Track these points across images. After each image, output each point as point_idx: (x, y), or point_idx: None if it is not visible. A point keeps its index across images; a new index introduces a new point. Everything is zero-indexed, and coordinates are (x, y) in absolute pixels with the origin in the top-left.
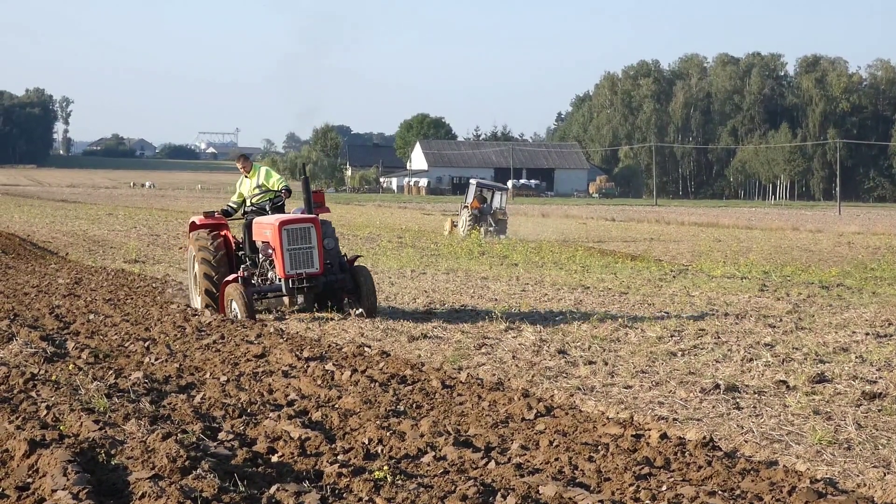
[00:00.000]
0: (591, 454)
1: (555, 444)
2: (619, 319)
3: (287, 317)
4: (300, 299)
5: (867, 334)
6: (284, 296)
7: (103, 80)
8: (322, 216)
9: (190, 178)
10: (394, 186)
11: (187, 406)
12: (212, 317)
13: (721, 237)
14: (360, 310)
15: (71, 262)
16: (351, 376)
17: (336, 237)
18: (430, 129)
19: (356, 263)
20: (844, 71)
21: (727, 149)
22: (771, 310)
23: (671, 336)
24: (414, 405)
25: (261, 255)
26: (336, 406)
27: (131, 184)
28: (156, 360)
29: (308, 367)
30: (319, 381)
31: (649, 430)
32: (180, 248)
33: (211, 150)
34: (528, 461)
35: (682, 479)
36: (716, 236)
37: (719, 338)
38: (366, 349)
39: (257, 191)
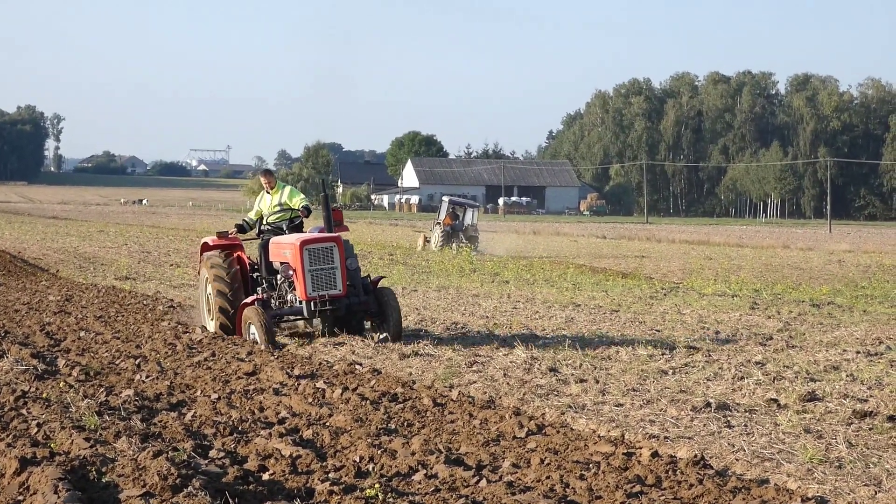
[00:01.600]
0: (583, 472)
1: (546, 462)
2: (611, 337)
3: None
4: (315, 323)
5: (858, 353)
6: (305, 319)
7: (95, 98)
8: (342, 235)
9: (181, 195)
10: (385, 204)
11: (178, 424)
12: (202, 334)
13: (712, 255)
14: (385, 334)
15: (62, 279)
16: (342, 394)
17: (357, 257)
18: (422, 147)
19: (380, 285)
20: (835, 89)
21: (718, 167)
22: (762, 328)
23: (662, 354)
24: (405, 423)
25: (279, 277)
26: (327, 424)
27: (122, 200)
28: (147, 377)
29: (299, 384)
30: (310, 399)
31: (640, 448)
32: (171, 265)
33: (202, 167)
34: (520, 479)
35: (674, 497)
36: (707, 254)
37: (710, 356)
38: (357, 367)
39: (277, 208)
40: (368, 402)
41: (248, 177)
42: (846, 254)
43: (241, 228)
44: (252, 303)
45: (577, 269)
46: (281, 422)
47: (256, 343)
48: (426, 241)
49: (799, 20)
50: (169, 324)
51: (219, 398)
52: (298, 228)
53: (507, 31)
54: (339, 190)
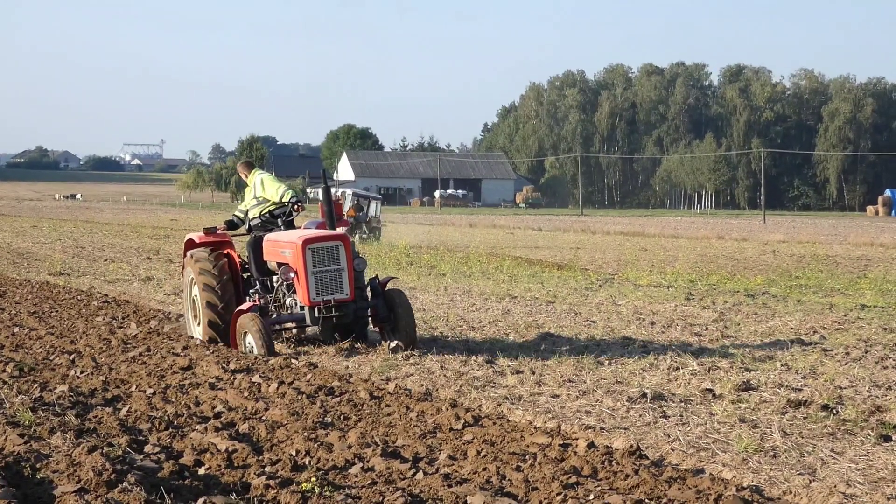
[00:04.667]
0: (519, 463)
1: (482, 453)
2: (547, 328)
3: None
4: (311, 330)
5: (792, 342)
6: (308, 326)
7: (26, 92)
8: (340, 231)
9: (115, 189)
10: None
11: (113, 419)
12: (137, 329)
13: (647, 246)
14: (397, 342)
15: None
16: (278, 388)
17: (364, 257)
18: (357, 140)
19: (389, 286)
20: (768, 80)
21: (652, 158)
22: (697, 318)
23: (598, 345)
24: (342, 416)
25: (277, 279)
26: (263, 418)
27: (56, 196)
28: (81, 373)
29: (235, 378)
30: (246, 393)
31: (577, 439)
32: (105, 259)
33: (136, 161)
34: (456, 471)
35: (610, 487)
36: (642, 245)
37: (646, 346)
38: (293, 361)
39: (254, 201)
40: (305, 395)
41: (183, 171)
42: (780, 244)
43: (232, 224)
44: (248, 310)
45: (513, 262)
46: (217, 416)
47: (253, 353)
48: None
49: (731, 11)
50: (103, 319)
51: (154, 393)
52: (291, 224)
53: (441, 23)
54: None
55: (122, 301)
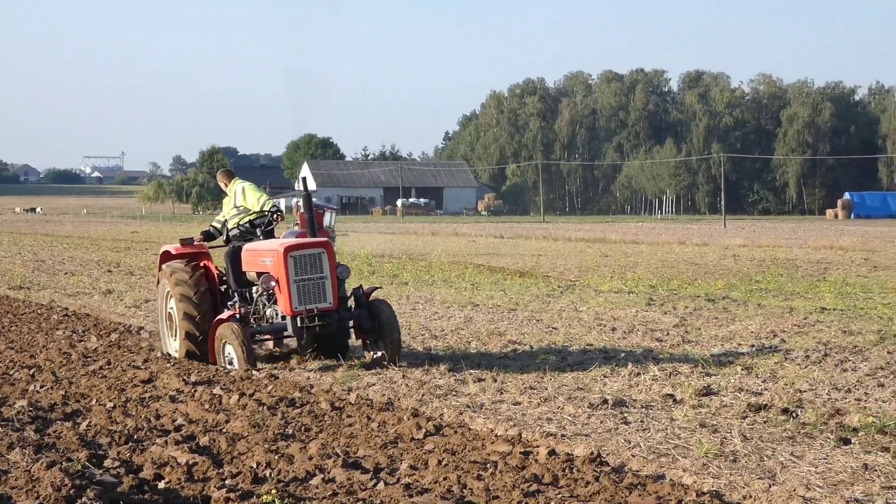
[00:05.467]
0: (480, 472)
1: (444, 463)
2: (509, 336)
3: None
4: (288, 342)
5: (752, 346)
6: (290, 337)
7: None
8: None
9: (75, 202)
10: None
11: (73, 434)
12: (98, 342)
13: (608, 252)
14: (381, 353)
15: None
16: (239, 400)
17: (347, 266)
18: (318, 150)
19: (374, 296)
20: (727, 86)
21: (613, 165)
22: (658, 324)
23: (559, 352)
24: (302, 428)
25: (257, 289)
26: (224, 430)
27: (16, 209)
28: (41, 387)
29: (195, 391)
30: (207, 406)
31: (538, 446)
32: (66, 273)
33: (96, 174)
34: (417, 481)
35: (570, 495)
36: (603, 251)
37: (607, 352)
38: (254, 372)
39: (234, 211)
40: (265, 407)
41: (144, 183)
42: (741, 248)
43: (209, 235)
44: (227, 319)
45: (475, 269)
46: (177, 429)
47: (232, 366)
48: None
49: (690, 17)
50: (64, 332)
51: (114, 407)
52: (270, 234)
53: (402, 31)
54: None
55: (82, 314)
